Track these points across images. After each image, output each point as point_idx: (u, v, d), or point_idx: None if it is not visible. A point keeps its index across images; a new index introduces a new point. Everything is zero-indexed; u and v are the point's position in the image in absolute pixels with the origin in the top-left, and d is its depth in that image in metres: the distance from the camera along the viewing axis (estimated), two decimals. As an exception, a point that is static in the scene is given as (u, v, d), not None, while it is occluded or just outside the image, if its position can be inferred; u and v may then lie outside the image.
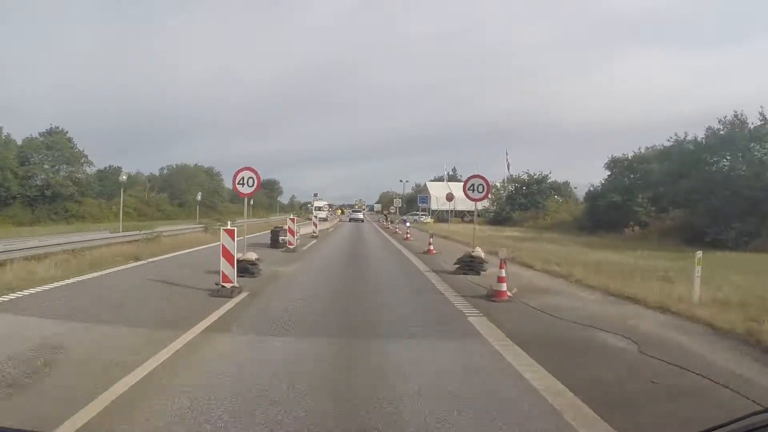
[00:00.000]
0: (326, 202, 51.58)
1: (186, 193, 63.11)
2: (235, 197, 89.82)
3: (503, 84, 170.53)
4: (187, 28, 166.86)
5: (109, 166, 66.51)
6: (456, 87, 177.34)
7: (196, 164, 69.55)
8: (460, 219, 48.67)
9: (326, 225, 32.06)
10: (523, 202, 43.84)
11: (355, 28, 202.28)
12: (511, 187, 47.74)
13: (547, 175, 45.22)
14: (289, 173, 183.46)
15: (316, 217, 28.26)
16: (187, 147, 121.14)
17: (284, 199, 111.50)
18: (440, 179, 68.26)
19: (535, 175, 45.63)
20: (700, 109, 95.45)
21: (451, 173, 69.13)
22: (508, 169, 55.84)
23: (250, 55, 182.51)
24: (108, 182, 62.53)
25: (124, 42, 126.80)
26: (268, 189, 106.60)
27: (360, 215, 59.94)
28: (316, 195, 54.61)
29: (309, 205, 67.74)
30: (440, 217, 50.23)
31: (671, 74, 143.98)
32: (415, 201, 71.35)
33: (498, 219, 43.81)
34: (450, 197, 29.20)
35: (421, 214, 49.52)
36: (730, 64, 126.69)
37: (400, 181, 74.49)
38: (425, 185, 63.83)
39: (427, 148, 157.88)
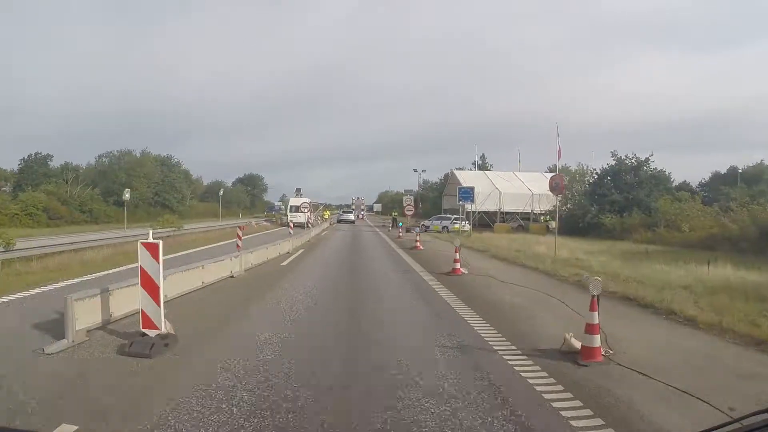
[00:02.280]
0: (306, 200, 34.84)
1: (126, 188, 47.67)
2: (207, 195, 73.73)
3: (505, 85, 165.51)
4: (186, 29, 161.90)
5: (36, 154, 51.01)
6: (457, 88, 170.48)
7: (144, 150, 53.23)
8: (510, 226, 32.86)
9: (286, 246, 14.94)
10: (618, 201, 27.70)
11: (355, 29, 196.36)
12: (588, 178, 31.61)
13: (648, 159, 28.99)
14: (287, 174, 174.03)
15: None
16: (185, 147, 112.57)
17: (275, 197, 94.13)
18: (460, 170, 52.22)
19: (627, 158, 29.26)
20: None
21: (480, 162, 52.89)
22: (559, 156, 40.21)
23: (250, 56, 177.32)
24: (34, 174, 48.06)
25: (122, 42, 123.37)
26: (250, 186, 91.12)
27: (351, 216, 45.89)
28: (298, 191, 39.13)
29: (278, 204, 51.39)
30: (478, 222, 34.27)
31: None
32: (427, 200, 55.25)
33: (576, 226, 27.68)
34: (560, 183, 13.52)
35: (455, 219, 30.53)
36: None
37: (414, 170, 57.11)
38: (451, 173, 44.56)
39: (428, 149, 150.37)
